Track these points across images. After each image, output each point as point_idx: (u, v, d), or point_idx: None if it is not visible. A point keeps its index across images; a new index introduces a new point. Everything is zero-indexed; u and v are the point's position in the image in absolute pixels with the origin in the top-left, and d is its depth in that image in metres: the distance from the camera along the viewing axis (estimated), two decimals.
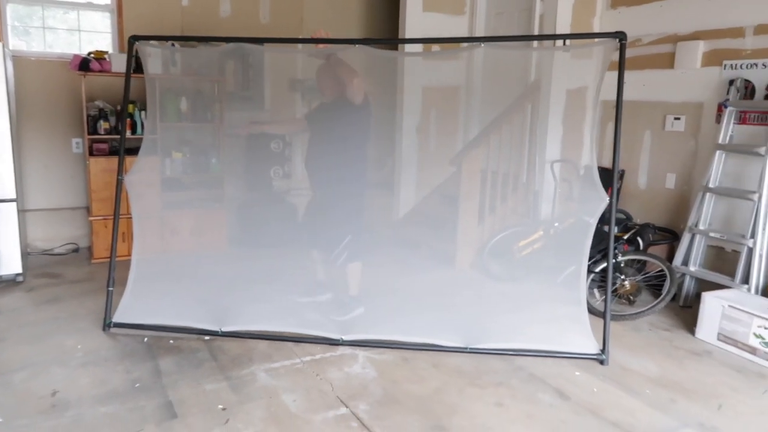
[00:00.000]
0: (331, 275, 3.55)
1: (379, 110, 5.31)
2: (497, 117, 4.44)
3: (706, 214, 3.83)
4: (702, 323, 3.33)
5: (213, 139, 4.92)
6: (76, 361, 2.87)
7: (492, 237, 4.30)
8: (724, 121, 3.77)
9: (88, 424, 2.34)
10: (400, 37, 5.10)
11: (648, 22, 4.29)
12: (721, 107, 3.84)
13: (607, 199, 2.89)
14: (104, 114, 4.48)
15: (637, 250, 3.86)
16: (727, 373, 2.94)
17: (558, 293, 3.22)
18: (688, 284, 3.87)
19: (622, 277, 3.76)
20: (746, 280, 3.52)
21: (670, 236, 4.11)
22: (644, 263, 3.90)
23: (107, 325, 3.22)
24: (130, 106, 4.49)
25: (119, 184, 3.23)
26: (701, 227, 3.82)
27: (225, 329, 3.17)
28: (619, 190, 4.54)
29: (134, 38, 3.19)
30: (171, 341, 3.11)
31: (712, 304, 3.28)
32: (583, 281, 3.05)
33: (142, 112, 4.52)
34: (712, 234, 3.78)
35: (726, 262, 3.81)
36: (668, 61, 4.18)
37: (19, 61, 4.53)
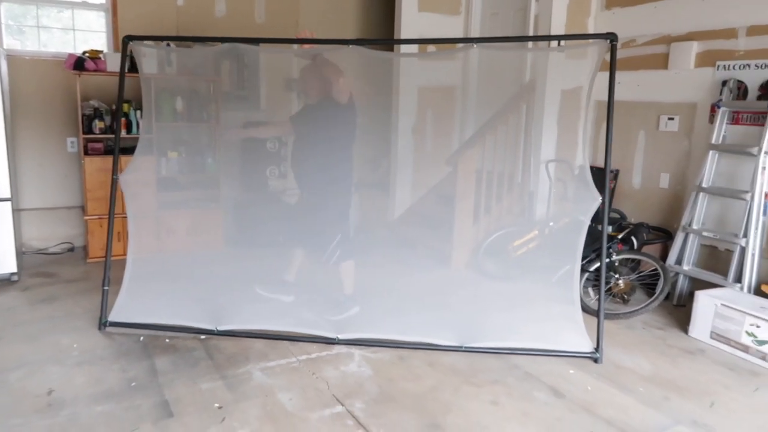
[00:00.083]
0: (326, 275, 3.52)
1: (375, 111, 5.33)
2: (492, 117, 4.46)
3: (700, 213, 3.86)
4: (695, 322, 3.35)
5: (209, 138, 4.92)
6: (71, 360, 2.87)
7: (487, 236, 4.31)
8: (717, 122, 3.80)
9: (83, 423, 2.34)
10: (395, 37, 5.11)
11: (642, 22, 4.32)
12: (714, 108, 3.87)
13: (600, 199, 2.91)
14: (99, 113, 4.47)
15: (631, 249, 3.89)
16: (719, 371, 2.97)
17: (553, 292, 3.24)
18: (682, 283, 3.90)
19: (617, 276, 3.79)
20: (739, 278, 3.55)
21: (664, 235, 4.14)
22: (638, 262, 3.92)
23: (103, 324, 3.21)
24: (126, 106, 4.49)
25: (114, 183, 3.23)
26: (695, 226, 3.85)
27: (221, 328, 3.17)
28: (613, 189, 4.57)
29: (128, 38, 3.19)
30: (167, 340, 3.11)
31: (705, 302, 3.31)
32: (576, 280, 3.07)
33: (138, 112, 4.51)
34: (705, 233, 3.81)
35: (719, 261, 3.85)
36: (662, 62, 4.21)
37: (13, 60, 4.52)
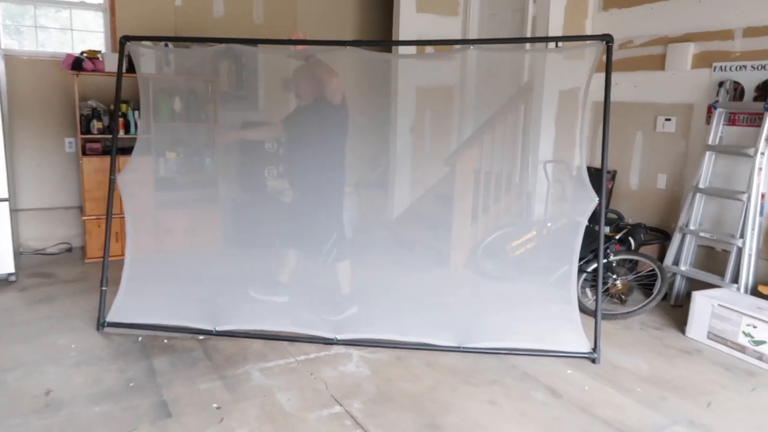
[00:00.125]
0: (322, 276, 3.52)
1: (373, 111, 5.33)
2: (491, 117, 4.47)
3: (697, 214, 3.87)
4: (692, 322, 3.37)
5: (207, 139, 4.91)
6: (69, 361, 2.87)
7: (486, 237, 4.32)
8: (714, 123, 3.81)
9: (81, 423, 2.34)
10: (394, 37, 5.12)
11: (639, 23, 4.33)
12: (710, 108, 3.89)
13: (596, 199, 2.92)
14: (97, 113, 4.47)
15: (628, 249, 3.90)
16: (716, 371, 2.98)
17: (551, 293, 3.25)
18: (679, 283, 3.92)
19: (614, 276, 3.80)
20: (736, 279, 3.56)
21: (662, 236, 4.15)
22: (636, 263, 3.93)
23: (101, 324, 3.21)
24: (124, 106, 4.48)
25: (112, 183, 3.23)
26: (692, 227, 3.87)
27: (219, 328, 3.17)
28: (611, 190, 4.58)
29: (125, 38, 3.17)
30: (165, 341, 3.11)
31: (702, 303, 3.32)
32: (574, 281, 3.08)
33: (136, 112, 4.51)
34: (702, 234, 3.83)
35: (716, 262, 3.86)
36: (659, 63, 4.23)
37: (10, 60, 4.51)
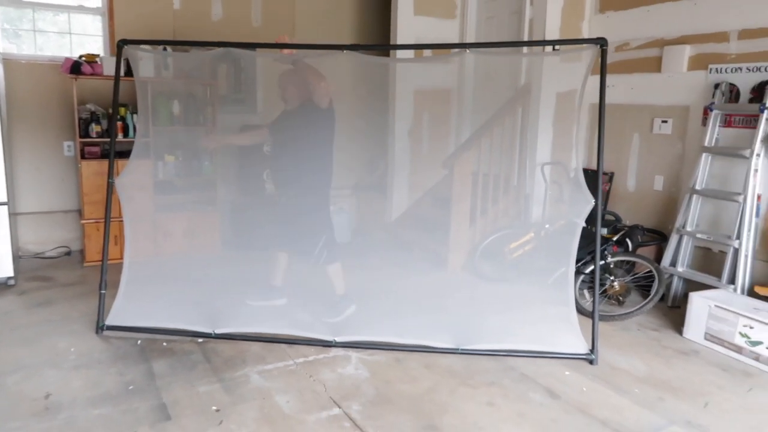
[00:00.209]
0: (315, 278, 3.51)
1: (371, 114, 5.35)
2: (488, 120, 4.48)
3: (693, 215, 3.89)
4: (689, 323, 3.38)
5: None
6: (69, 364, 2.87)
7: (484, 239, 4.33)
8: (710, 124, 3.83)
9: (81, 426, 2.35)
10: (391, 40, 5.13)
11: (635, 26, 4.35)
12: (706, 110, 3.91)
13: (593, 201, 2.94)
14: (96, 117, 4.48)
15: (626, 251, 3.91)
16: (713, 372, 2.99)
17: (548, 294, 3.26)
18: (676, 285, 3.93)
19: (612, 277, 3.81)
20: (732, 280, 3.58)
21: (659, 237, 4.17)
22: (633, 264, 3.94)
23: (100, 327, 3.22)
24: (122, 110, 4.50)
25: (110, 187, 3.24)
26: (688, 228, 3.88)
27: (218, 331, 3.18)
28: (608, 192, 4.60)
29: (123, 42, 3.17)
30: (164, 343, 3.12)
31: (699, 304, 3.34)
32: (572, 282, 3.09)
33: (134, 115, 4.52)
34: (699, 235, 3.84)
35: (713, 263, 3.87)
36: (655, 65, 4.25)
37: (9, 63, 4.52)
